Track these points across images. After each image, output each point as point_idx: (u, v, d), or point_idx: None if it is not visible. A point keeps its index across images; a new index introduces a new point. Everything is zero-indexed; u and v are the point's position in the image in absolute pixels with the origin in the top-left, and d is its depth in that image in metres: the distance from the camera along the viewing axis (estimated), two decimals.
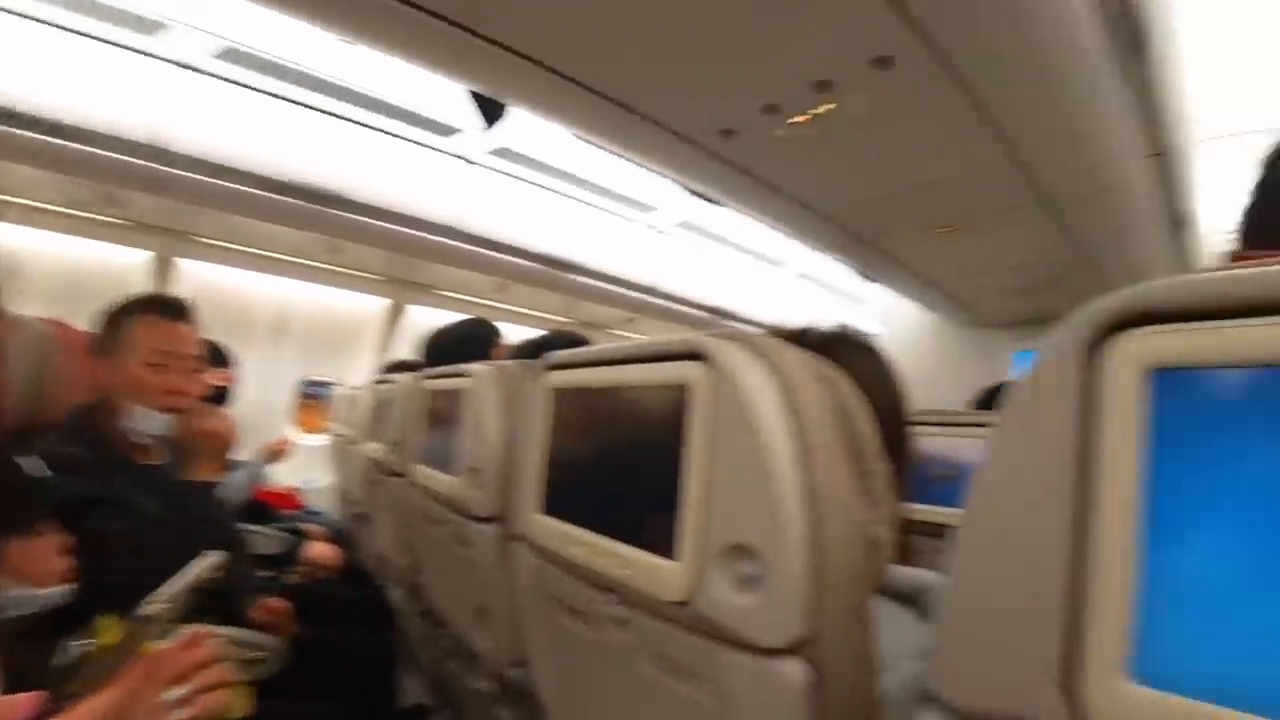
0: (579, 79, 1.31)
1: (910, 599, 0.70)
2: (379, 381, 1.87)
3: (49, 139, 1.96)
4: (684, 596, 0.55)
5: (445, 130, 2.63)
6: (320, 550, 2.34)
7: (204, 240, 3.06)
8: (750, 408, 0.51)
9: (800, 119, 1.42)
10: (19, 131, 1.90)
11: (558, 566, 0.76)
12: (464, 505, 1.02)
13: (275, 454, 2.72)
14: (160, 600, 0.62)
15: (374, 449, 1.69)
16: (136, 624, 0.61)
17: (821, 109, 1.38)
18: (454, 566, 1.14)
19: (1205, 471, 0.30)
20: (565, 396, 0.75)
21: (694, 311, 4.07)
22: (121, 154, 2.14)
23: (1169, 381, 0.31)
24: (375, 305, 3.79)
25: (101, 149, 2.08)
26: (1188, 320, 0.30)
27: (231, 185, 2.35)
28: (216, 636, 0.67)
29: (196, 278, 3.17)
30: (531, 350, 1.38)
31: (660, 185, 2.83)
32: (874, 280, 3.03)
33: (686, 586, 0.54)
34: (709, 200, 2.10)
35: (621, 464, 0.65)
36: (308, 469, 3.35)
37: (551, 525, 0.74)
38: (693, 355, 0.56)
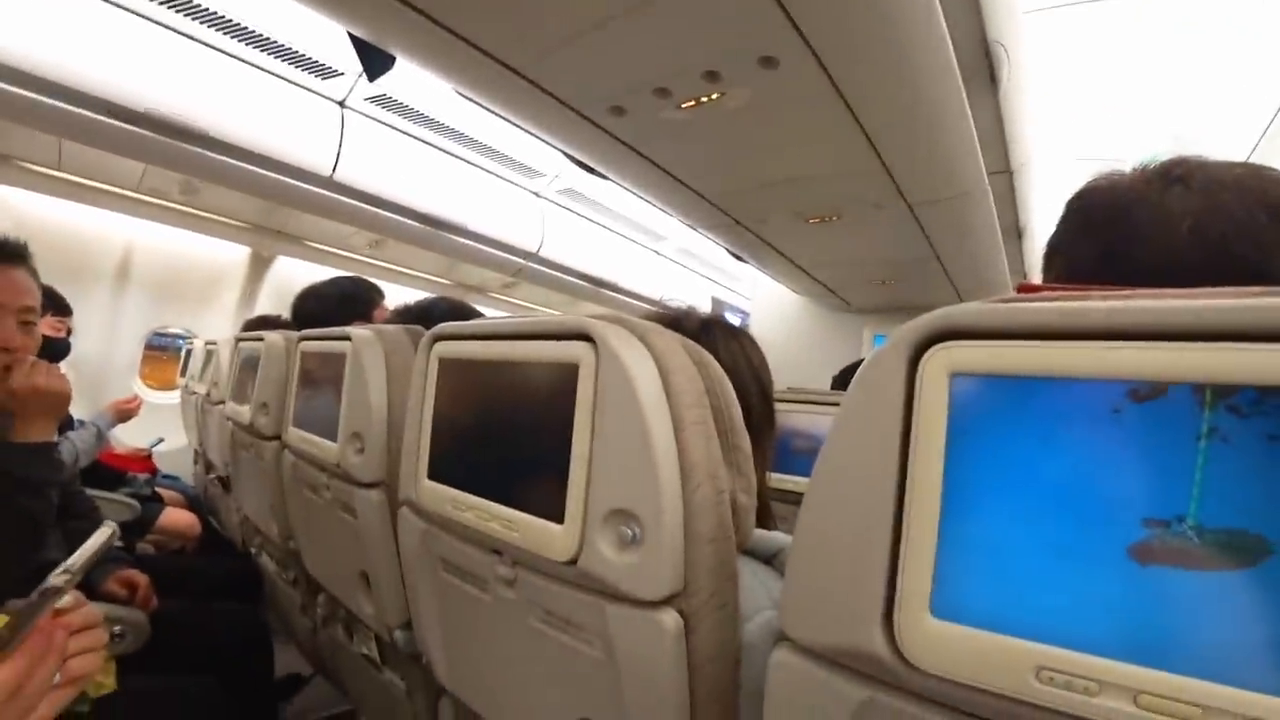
0: (468, 36, 1.27)
1: (769, 559, 0.79)
2: (243, 338, 1.74)
3: None
4: (571, 556, 0.59)
5: (323, 71, 2.43)
6: (176, 518, 2.18)
7: (28, 166, 2.66)
8: (632, 388, 0.56)
9: (689, 104, 1.46)
10: None
11: (445, 530, 0.78)
12: (346, 471, 1.00)
13: (124, 413, 2.47)
14: (63, 573, 0.58)
15: (239, 410, 1.59)
16: (42, 598, 0.57)
17: (709, 97, 1.42)
18: (334, 533, 1.12)
19: (986, 452, 0.38)
20: (453, 367, 0.76)
21: (575, 280, 4.06)
22: None
23: (963, 383, 0.38)
24: (236, 254, 3.46)
25: None
26: (981, 339, 0.38)
27: (64, 106, 2.04)
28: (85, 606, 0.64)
29: (20, 210, 2.76)
30: (414, 315, 1.34)
31: (547, 151, 2.80)
32: (748, 261, 3.17)
33: (573, 547, 0.59)
34: (594, 173, 2.11)
35: (509, 434, 0.67)
36: (159, 429, 3.07)
37: (439, 491, 0.76)
38: (581, 336, 0.60)
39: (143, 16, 2.08)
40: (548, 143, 1.91)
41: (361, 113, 2.68)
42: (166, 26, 2.13)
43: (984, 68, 1.52)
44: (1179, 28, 2.20)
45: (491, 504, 0.67)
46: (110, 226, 3.05)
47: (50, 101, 2.03)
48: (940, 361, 0.39)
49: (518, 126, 1.84)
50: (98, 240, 3.06)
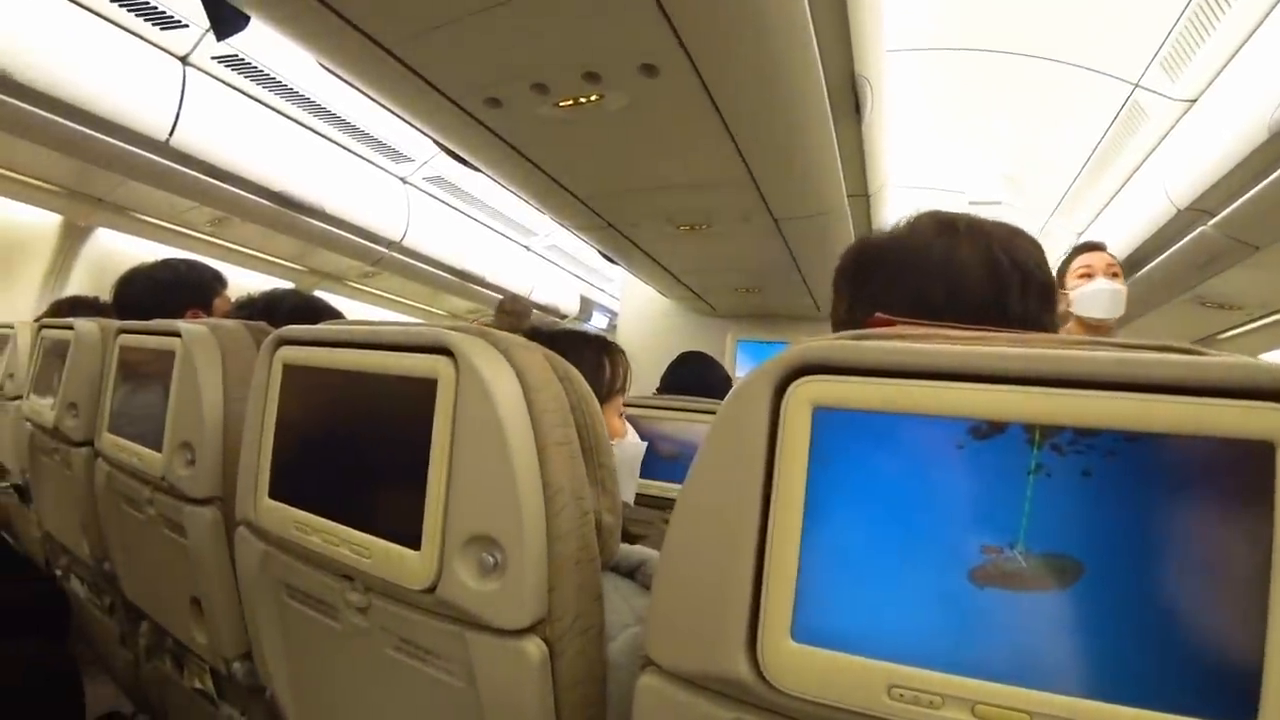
0: (333, 4, 1.16)
1: (630, 572, 0.79)
2: (48, 324, 1.49)
3: None
4: (428, 584, 0.56)
5: (164, 21, 2.12)
6: None
7: None
8: (495, 407, 0.53)
9: (567, 103, 1.43)
10: None
11: (289, 554, 0.71)
12: (174, 485, 0.89)
13: None
14: None
15: (41, 408, 1.37)
16: None
17: (588, 98, 1.40)
18: (159, 554, 0.99)
19: (844, 482, 0.40)
20: (299, 374, 0.69)
21: (440, 273, 3.89)
22: None
23: (824, 416, 0.40)
24: (44, 221, 2.96)
25: None
26: (841, 374, 0.40)
27: None
28: None
29: None
30: (259, 309, 1.20)
31: (416, 136, 2.65)
32: (618, 263, 3.18)
33: (431, 575, 0.55)
34: (466, 163, 2.03)
35: (361, 451, 0.62)
36: None
37: (282, 511, 0.69)
38: (440, 349, 0.56)
39: None
40: (418, 129, 1.80)
41: (208, 73, 2.38)
42: None
43: (850, 98, 1.61)
44: (1013, 81, 2.48)
45: (341, 527, 0.62)
46: None
47: None
48: (804, 395, 0.40)
49: (386, 109, 1.72)
50: None
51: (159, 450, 0.91)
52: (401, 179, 3.29)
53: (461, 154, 1.86)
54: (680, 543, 0.46)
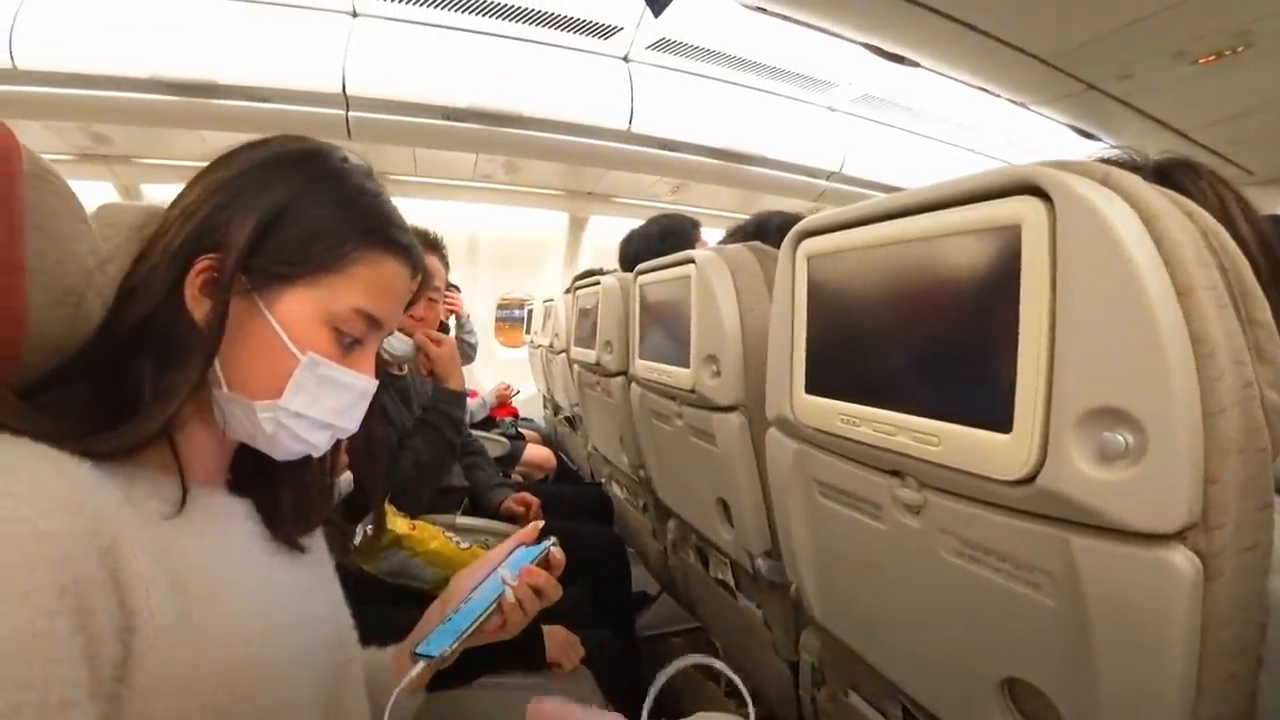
0: None
1: None
2: (579, 286, 1.91)
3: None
4: (1024, 473, 0.47)
5: (603, 31, 2.55)
6: (537, 452, 2.57)
7: (394, 177, 3.33)
8: (1114, 243, 0.41)
9: None
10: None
11: (827, 451, 0.71)
12: (702, 395, 1.00)
13: (503, 396, 3.20)
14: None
15: (584, 353, 1.75)
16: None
17: None
18: (688, 459, 1.15)
19: None
20: (828, 264, 0.68)
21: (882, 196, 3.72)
22: (308, 106, 2.36)
23: None
24: (556, 221, 3.96)
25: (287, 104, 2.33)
26: None
27: (410, 119, 2.51)
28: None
29: None
30: (749, 232, 1.31)
31: (837, 60, 2.53)
32: (1096, 137, 2.51)
33: (1029, 461, 0.46)
34: (900, 60, 1.82)
35: (916, 329, 0.56)
36: (512, 379, 3.67)
37: (823, 405, 0.68)
38: (1024, 189, 0.46)
39: (440, 26, 2.43)
40: (847, 39, 1.70)
41: (645, 63, 2.77)
42: (466, 30, 2.46)
43: None
44: None
45: (897, 414, 0.58)
46: (457, 216, 3.75)
47: (402, 118, 2.48)
48: None
49: (812, 27, 1.66)
50: (451, 228, 3.77)
51: (686, 367, 1.04)
52: (829, 108, 3.26)
53: (896, 48, 1.69)
54: None
